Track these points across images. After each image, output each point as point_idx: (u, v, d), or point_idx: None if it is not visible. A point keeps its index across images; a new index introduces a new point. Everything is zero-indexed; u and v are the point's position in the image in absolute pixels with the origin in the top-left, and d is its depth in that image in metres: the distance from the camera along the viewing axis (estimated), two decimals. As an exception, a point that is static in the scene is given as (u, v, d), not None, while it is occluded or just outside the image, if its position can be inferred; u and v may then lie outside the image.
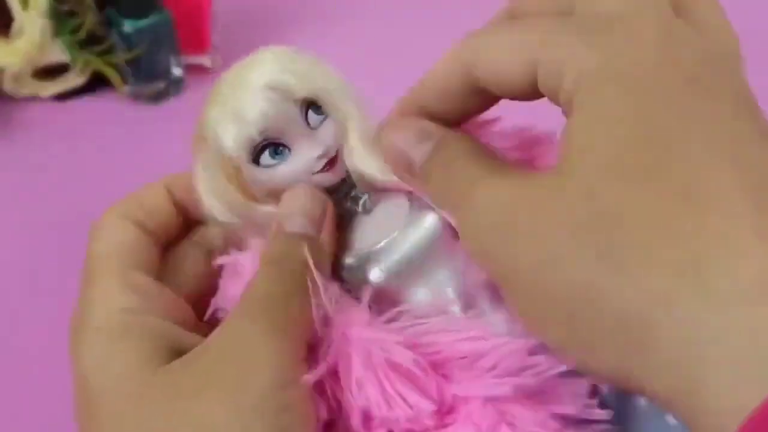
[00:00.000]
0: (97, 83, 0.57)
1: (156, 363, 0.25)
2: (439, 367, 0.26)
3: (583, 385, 0.27)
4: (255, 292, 0.26)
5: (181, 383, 0.24)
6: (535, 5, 0.27)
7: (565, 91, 0.23)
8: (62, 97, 0.57)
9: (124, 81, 0.56)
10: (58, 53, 0.55)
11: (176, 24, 0.55)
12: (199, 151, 0.30)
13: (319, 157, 0.29)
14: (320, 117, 0.30)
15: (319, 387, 0.26)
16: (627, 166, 0.20)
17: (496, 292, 0.28)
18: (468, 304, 0.29)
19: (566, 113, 0.23)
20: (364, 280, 0.29)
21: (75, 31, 0.54)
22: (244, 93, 0.30)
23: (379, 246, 0.28)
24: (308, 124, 0.30)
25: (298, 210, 0.28)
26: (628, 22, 0.23)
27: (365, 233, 0.30)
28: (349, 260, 0.29)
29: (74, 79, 0.56)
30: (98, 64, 0.55)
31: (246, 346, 0.24)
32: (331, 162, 0.30)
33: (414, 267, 0.28)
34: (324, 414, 0.26)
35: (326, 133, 0.30)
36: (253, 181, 0.29)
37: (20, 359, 0.40)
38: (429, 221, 0.29)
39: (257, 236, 0.29)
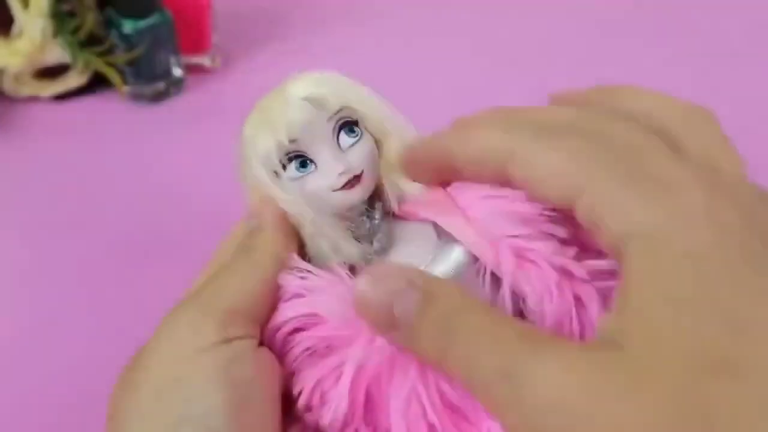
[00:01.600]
0: (97, 83, 0.57)
1: None
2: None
3: None
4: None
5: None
6: (578, 100, 0.26)
7: (609, 234, 0.23)
8: (62, 97, 0.57)
9: (125, 81, 0.56)
10: (58, 53, 0.55)
11: (176, 24, 0.55)
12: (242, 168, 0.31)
13: (341, 174, 0.30)
14: (352, 140, 0.31)
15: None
16: (713, 361, 0.19)
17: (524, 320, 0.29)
18: None
19: (614, 256, 0.23)
20: None
21: (75, 31, 0.54)
22: (281, 103, 0.30)
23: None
24: (339, 145, 0.30)
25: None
26: (683, 186, 0.22)
27: (411, 258, 0.30)
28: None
29: (74, 80, 0.56)
30: (98, 65, 0.55)
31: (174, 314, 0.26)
32: (355, 180, 0.30)
33: None
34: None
35: (355, 154, 0.30)
36: (284, 189, 0.30)
37: (20, 358, 0.40)
38: (456, 255, 0.29)
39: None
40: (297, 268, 0.29)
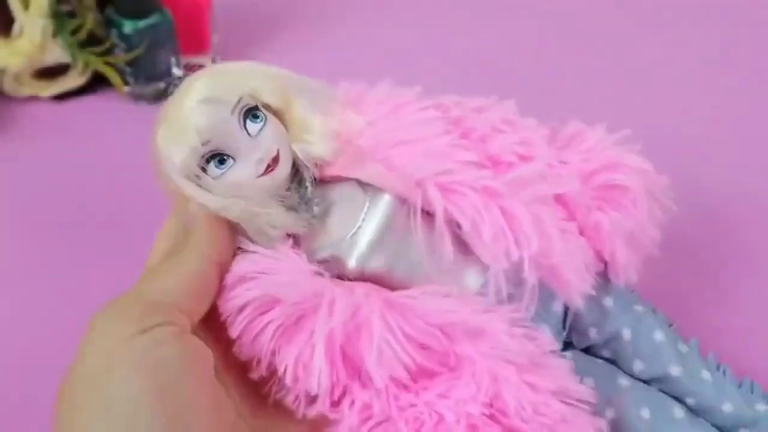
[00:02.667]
0: (97, 83, 0.57)
1: None
2: (445, 328, 0.30)
3: (569, 365, 0.31)
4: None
5: None
6: None
7: None
8: (62, 97, 0.57)
9: (125, 81, 0.56)
10: (58, 54, 0.55)
11: (176, 24, 0.55)
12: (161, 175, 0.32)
13: (260, 160, 0.32)
14: (259, 124, 0.32)
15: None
16: None
17: (461, 246, 0.32)
18: (441, 269, 0.32)
19: None
20: (344, 271, 0.32)
21: (75, 31, 0.54)
22: (184, 111, 0.32)
23: (348, 238, 0.32)
24: (248, 133, 0.32)
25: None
26: None
27: (332, 226, 0.32)
28: (323, 254, 0.32)
29: (74, 80, 0.56)
30: (98, 65, 0.55)
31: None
32: (273, 163, 0.32)
33: (383, 248, 0.32)
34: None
35: (265, 136, 0.32)
36: (210, 188, 0.32)
37: (20, 356, 0.40)
38: (384, 203, 0.32)
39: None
40: (243, 250, 0.31)
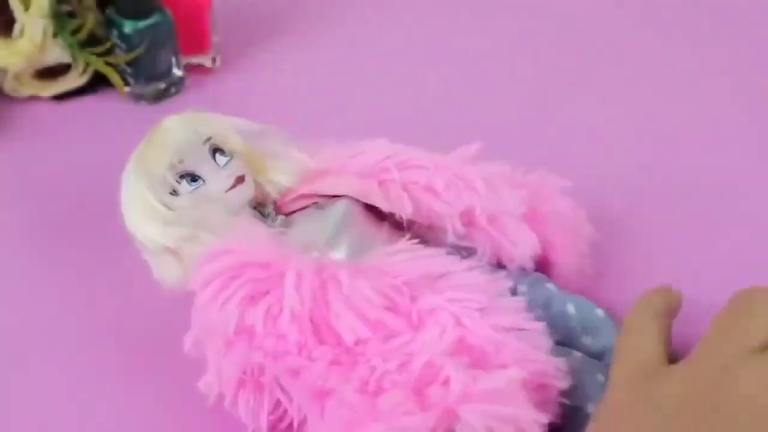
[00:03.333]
0: (97, 83, 0.57)
1: None
2: (408, 287, 0.33)
3: (521, 302, 0.34)
4: None
5: None
6: None
7: None
8: (63, 97, 0.57)
9: (125, 81, 0.56)
10: (59, 54, 0.55)
11: (176, 25, 0.55)
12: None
13: (228, 175, 0.37)
14: (226, 158, 0.38)
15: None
16: None
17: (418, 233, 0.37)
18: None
19: None
20: None
21: (76, 32, 0.54)
22: (164, 133, 0.38)
23: (310, 242, 0.36)
24: (217, 163, 0.38)
25: None
26: None
27: (294, 236, 0.37)
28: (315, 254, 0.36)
29: (75, 80, 0.56)
30: (99, 65, 0.55)
31: None
32: (240, 179, 0.38)
33: (343, 242, 0.36)
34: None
35: (232, 165, 0.38)
36: (183, 205, 0.37)
37: (20, 355, 0.40)
38: (337, 208, 0.37)
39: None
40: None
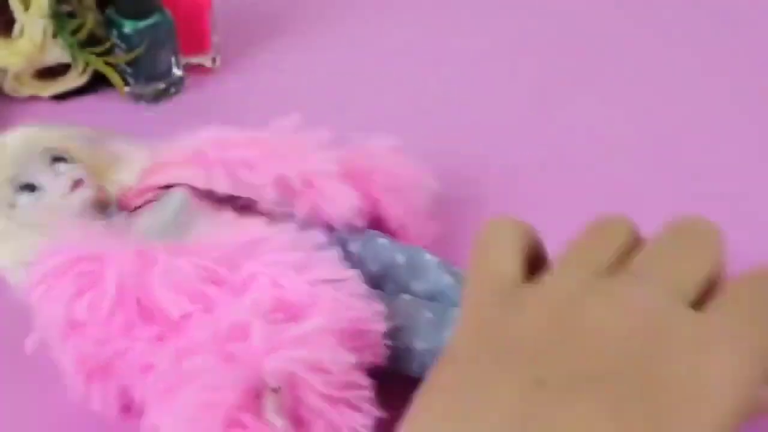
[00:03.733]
0: (97, 83, 0.57)
1: None
2: (227, 258, 0.35)
3: (334, 254, 0.36)
4: None
5: None
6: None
7: None
8: (63, 97, 0.57)
9: (125, 81, 0.56)
10: (58, 54, 0.55)
11: (176, 25, 0.55)
12: None
13: (68, 178, 0.39)
14: (65, 166, 0.40)
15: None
16: None
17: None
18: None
19: None
20: None
21: (76, 31, 0.54)
22: (1, 149, 0.40)
23: (165, 229, 0.38)
24: (56, 172, 0.40)
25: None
26: None
27: (150, 224, 0.39)
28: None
29: (75, 80, 0.56)
30: (99, 65, 0.55)
31: None
32: (79, 182, 0.40)
33: (190, 226, 0.38)
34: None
35: (70, 170, 0.40)
36: (24, 216, 0.39)
37: (20, 354, 0.40)
38: (173, 198, 0.39)
39: None
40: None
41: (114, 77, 0.56)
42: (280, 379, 0.30)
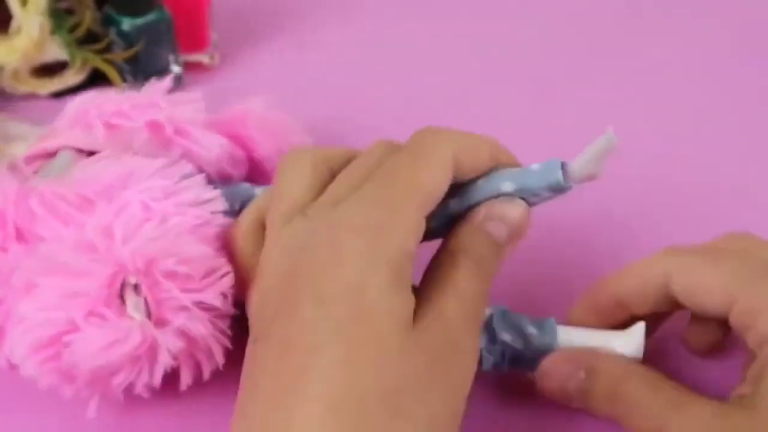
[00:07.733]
0: (96, 81, 0.57)
1: None
2: (104, 189, 0.36)
3: (199, 178, 0.38)
4: (466, 288, 0.29)
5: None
6: None
7: (757, 333, 0.29)
8: (61, 94, 0.57)
9: (123, 79, 0.56)
10: (56, 51, 0.55)
11: (175, 22, 0.55)
12: None
13: None
14: None
15: None
16: None
17: None
18: None
19: (753, 352, 0.30)
20: None
21: (73, 29, 0.54)
22: None
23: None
24: None
25: (506, 219, 0.32)
26: None
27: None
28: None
29: (73, 77, 0.56)
30: (97, 62, 0.55)
31: (457, 341, 0.28)
32: None
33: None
34: None
35: None
36: None
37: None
38: (62, 157, 0.40)
39: None
40: None
41: (112, 74, 0.55)
42: (140, 268, 0.32)
